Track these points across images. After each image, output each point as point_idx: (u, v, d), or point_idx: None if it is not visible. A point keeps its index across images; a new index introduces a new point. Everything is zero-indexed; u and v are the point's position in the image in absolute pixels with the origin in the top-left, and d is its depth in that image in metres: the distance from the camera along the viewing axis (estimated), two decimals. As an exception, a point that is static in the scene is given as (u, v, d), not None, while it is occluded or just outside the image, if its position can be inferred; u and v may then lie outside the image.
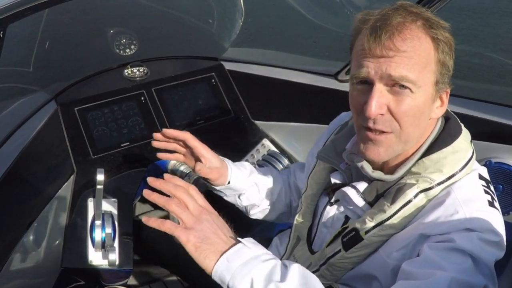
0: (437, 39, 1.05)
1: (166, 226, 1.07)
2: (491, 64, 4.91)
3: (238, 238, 1.07)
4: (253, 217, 1.69)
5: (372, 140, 1.11)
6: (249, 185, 1.59)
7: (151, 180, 1.15)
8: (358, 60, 1.08)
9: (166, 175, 1.16)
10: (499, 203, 1.15)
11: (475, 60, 4.83)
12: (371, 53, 1.05)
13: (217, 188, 1.56)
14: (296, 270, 1.05)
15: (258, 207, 1.65)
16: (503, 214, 1.67)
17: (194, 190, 1.13)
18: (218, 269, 1.04)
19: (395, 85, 1.05)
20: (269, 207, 1.65)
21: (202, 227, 1.06)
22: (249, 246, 1.05)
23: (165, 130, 1.54)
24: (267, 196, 1.64)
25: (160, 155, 1.57)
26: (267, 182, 1.64)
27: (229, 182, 1.53)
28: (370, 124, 1.08)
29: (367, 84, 1.08)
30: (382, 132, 1.09)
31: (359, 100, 1.10)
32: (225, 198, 1.62)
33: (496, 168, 1.80)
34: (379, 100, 1.05)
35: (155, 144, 1.55)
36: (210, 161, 1.52)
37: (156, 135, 1.54)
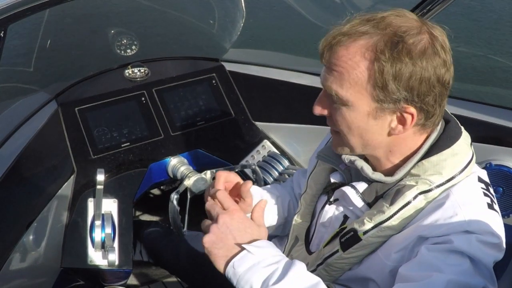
0: (378, 61, 1.02)
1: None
2: (493, 66, 4.91)
3: (244, 245, 1.07)
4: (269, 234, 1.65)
5: (332, 136, 1.22)
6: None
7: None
8: None
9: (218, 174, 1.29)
10: (499, 205, 1.15)
11: (476, 62, 4.83)
12: (321, 59, 1.11)
13: None
14: (295, 273, 1.05)
15: (272, 226, 1.61)
16: (503, 216, 1.67)
17: (221, 192, 1.18)
18: (228, 274, 1.08)
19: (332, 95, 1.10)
20: (282, 222, 1.62)
21: (218, 230, 1.10)
22: (253, 252, 1.06)
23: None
24: (278, 213, 1.61)
25: None
26: (274, 200, 1.61)
27: None
28: (327, 122, 1.19)
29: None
30: (333, 130, 1.18)
31: None
32: None
33: (496, 170, 1.80)
34: (320, 103, 1.15)
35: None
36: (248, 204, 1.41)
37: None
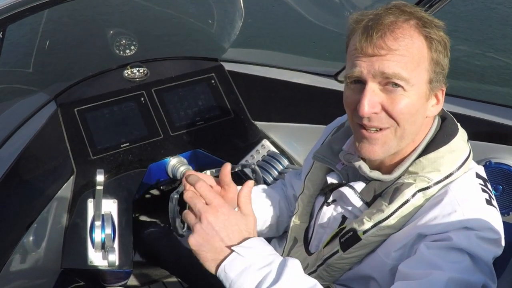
0: (430, 37, 1.06)
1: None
2: (492, 64, 4.91)
3: (233, 248, 1.01)
4: (263, 236, 1.65)
5: (367, 138, 1.11)
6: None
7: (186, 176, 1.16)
8: (352, 59, 1.10)
9: (186, 173, 1.18)
10: (499, 203, 1.15)
11: (476, 61, 4.83)
12: (363, 52, 1.06)
13: None
14: (289, 276, 1.00)
15: (263, 224, 1.61)
16: (503, 214, 1.67)
17: (201, 184, 1.08)
18: (220, 276, 1.03)
19: (388, 83, 1.06)
20: (274, 222, 1.62)
21: (203, 230, 1.02)
22: (243, 254, 1.00)
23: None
24: (269, 213, 1.60)
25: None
26: (264, 200, 1.60)
27: None
28: (365, 122, 1.09)
29: (360, 84, 1.09)
30: (378, 129, 1.10)
31: (353, 99, 1.11)
32: None
33: (496, 168, 1.80)
34: (372, 99, 1.06)
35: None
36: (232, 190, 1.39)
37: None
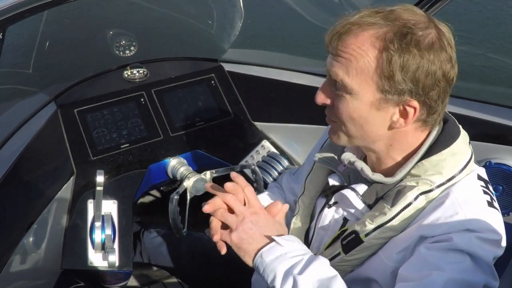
0: (387, 51, 1.02)
1: (214, 231, 1.18)
2: (491, 64, 4.91)
3: (273, 237, 1.12)
4: None
5: (329, 124, 1.21)
6: None
7: (208, 186, 1.26)
8: None
9: (232, 175, 1.24)
10: (499, 204, 1.15)
11: (475, 61, 4.83)
12: (327, 48, 1.11)
13: None
14: (318, 265, 1.09)
15: None
16: (503, 215, 1.67)
17: (249, 189, 1.21)
18: (256, 263, 1.13)
19: (335, 83, 1.10)
20: None
21: (244, 228, 1.13)
22: (282, 244, 1.11)
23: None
24: None
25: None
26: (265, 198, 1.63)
27: None
28: (326, 111, 1.18)
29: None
30: (331, 120, 1.17)
31: None
32: None
33: (496, 169, 1.80)
34: (323, 91, 1.14)
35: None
36: None
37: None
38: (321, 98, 1.15)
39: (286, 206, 1.25)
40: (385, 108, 1.08)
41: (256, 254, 1.12)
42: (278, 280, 1.08)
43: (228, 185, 1.20)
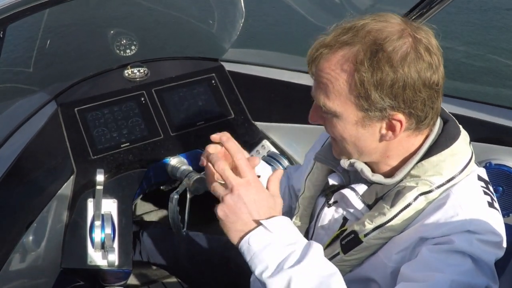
0: (358, 71, 1.02)
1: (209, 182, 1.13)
2: (492, 65, 4.91)
3: (261, 221, 1.03)
4: None
5: (332, 142, 1.23)
6: None
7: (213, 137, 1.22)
8: None
9: (222, 136, 1.20)
10: (500, 204, 1.15)
11: (476, 62, 4.83)
12: (308, 71, 1.14)
13: None
14: (313, 257, 1.01)
15: None
16: (504, 216, 1.67)
17: (241, 156, 1.10)
18: (241, 248, 1.04)
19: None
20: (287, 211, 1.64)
21: (230, 202, 1.04)
22: (270, 229, 1.02)
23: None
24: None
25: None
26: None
27: None
28: None
29: None
30: (332, 137, 1.19)
31: None
32: None
33: (496, 169, 1.80)
34: (314, 113, 1.18)
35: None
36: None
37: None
38: (314, 118, 1.19)
39: (280, 172, 1.15)
40: (371, 125, 1.09)
41: (242, 237, 1.04)
42: (268, 273, 1.00)
43: (210, 147, 1.17)
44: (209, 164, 1.14)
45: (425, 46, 1.03)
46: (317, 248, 1.04)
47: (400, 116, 1.06)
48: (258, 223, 1.03)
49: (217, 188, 1.09)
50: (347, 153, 1.18)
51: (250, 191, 1.05)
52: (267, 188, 1.12)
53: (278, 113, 2.39)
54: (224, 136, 1.17)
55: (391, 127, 1.08)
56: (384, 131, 1.09)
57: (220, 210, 1.05)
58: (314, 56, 1.09)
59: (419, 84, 1.03)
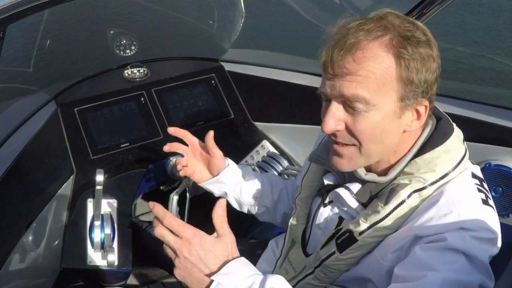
0: (401, 57, 1.02)
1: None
2: (492, 66, 4.91)
3: (212, 277, 1.02)
4: (260, 218, 1.70)
5: (336, 151, 1.14)
6: (240, 180, 1.65)
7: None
8: (322, 76, 1.11)
9: (150, 204, 1.13)
10: (499, 205, 1.16)
11: (476, 63, 4.83)
12: (326, 71, 1.07)
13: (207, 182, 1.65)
14: None
15: (260, 207, 1.65)
16: (503, 216, 1.67)
17: (169, 219, 1.06)
18: None
19: (349, 104, 1.06)
20: (271, 205, 1.65)
21: (181, 265, 1.05)
22: (222, 282, 1.01)
23: (168, 129, 1.65)
24: (266, 194, 1.65)
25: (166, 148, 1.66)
26: (263, 182, 1.67)
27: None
28: (332, 137, 1.13)
29: (328, 101, 1.10)
30: (344, 144, 1.12)
31: (323, 114, 1.12)
32: (215, 194, 1.67)
33: (496, 170, 1.80)
34: (335, 117, 1.09)
35: (165, 148, 1.66)
36: (216, 155, 1.63)
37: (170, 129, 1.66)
38: (332, 125, 1.09)
39: (222, 202, 1.11)
40: (404, 114, 1.09)
41: None
42: None
43: (157, 209, 1.09)
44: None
45: (431, 37, 1.08)
46: (272, 283, 1.02)
47: (426, 102, 1.09)
48: (211, 279, 1.03)
49: (168, 252, 1.08)
50: (367, 156, 1.12)
51: (193, 248, 1.04)
52: (214, 223, 1.10)
53: (277, 113, 2.39)
54: (151, 203, 1.12)
55: (418, 114, 1.10)
56: (412, 118, 1.10)
57: (177, 274, 1.05)
58: (345, 49, 1.02)
59: (437, 69, 1.07)
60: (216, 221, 1.10)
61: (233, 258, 1.07)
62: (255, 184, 1.66)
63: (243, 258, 1.09)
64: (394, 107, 1.06)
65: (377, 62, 1.02)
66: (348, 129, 1.09)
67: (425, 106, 1.09)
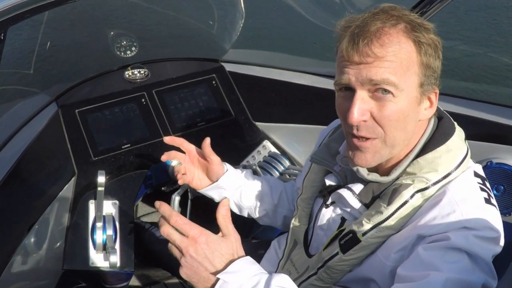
0: (419, 41, 1.06)
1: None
2: (492, 64, 4.91)
3: (218, 275, 1.03)
4: (260, 222, 1.70)
5: (358, 147, 1.12)
6: (239, 184, 1.65)
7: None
8: (340, 67, 1.10)
9: (156, 203, 1.14)
10: (501, 203, 1.15)
11: (476, 61, 4.83)
12: (350, 60, 1.06)
13: (206, 188, 1.65)
14: None
15: (260, 210, 1.65)
16: (505, 214, 1.67)
17: (176, 218, 1.08)
18: None
19: (377, 90, 1.05)
20: (271, 209, 1.65)
21: (187, 263, 1.06)
22: (228, 280, 1.02)
23: (164, 138, 1.69)
24: (266, 198, 1.65)
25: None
26: (262, 185, 1.67)
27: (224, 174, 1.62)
28: (354, 131, 1.10)
29: (350, 91, 1.09)
30: (367, 138, 1.10)
31: (343, 107, 1.11)
32: (216, 200, 1.66)
33: (497, 168, 1.80)
34: (361, 106, 1.07)
35: (163, 158, 1.70)
36: (214, 161, 1.61)
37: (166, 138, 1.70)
38: (359, 115, 1.07)
39: (226, 202, 1.13)
40: (422, 101, 1.11)
41: None
42: None
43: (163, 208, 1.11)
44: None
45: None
46: (278, 282, 1.03)
47: (436, 89, 1.12)
48: (217, 278, 1.03)
49: (173, 251, 1.09)
50: (392, 144, 1.10)
51: (199, 247, 1.05)
52: (218, 223, 1.11)
53: (278, 113, 2.39)
54: (157, 203, 1.14)
55: (430, 102, 1.13)
56: (426, 106, 1.13)
57: (183, 273, 1.06)
58: (367, 34, 1.04)
59: (441, 56, 1.11)
60: (220, 221, 1.11)
61: (239, 257, 1.08)
62: (254, 188, 1.66)
63: (248, 257, 1.09)
64: (416, 93, 1.08)
65: (401, 47, 1.05)
66: (374, 117, 1.08)
67: (436, 93, 1.12)
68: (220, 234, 1.11)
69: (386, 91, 1.05)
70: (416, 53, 1.06)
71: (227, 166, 1.66)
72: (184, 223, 1.07)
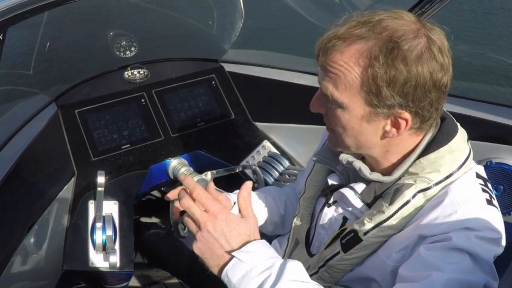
0: (372, 67, 1.01)
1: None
2: (492, 64, 4.91)
3: (233, 253, 1.03)
4: (270, 234, 1.68)
5: (328, 132, 1.22)
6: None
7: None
8: None
9: (180, 176, 1.18)
10: (501, 203, 1.15)
11: (476, 61, 4.83)
12: (316, 61, 1.11)
13: None
14: (288, 279, 1.02)
15: (270, 225, 1.62)
16: (504, 214, 1.67)
17: (199, 192, 1.07)
18: (224, 280, 1.06)
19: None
20: (279, 220, 1.63)
21: (203, 238, 1.06)
22: (243, 259, 1.03)
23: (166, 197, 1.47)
24: (272, 210, 1.62)
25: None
26: (267, 199, 1.63)
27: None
28: (324, 119, 1.19)
29: None
30: (329, 128, 1.19)
31: None
32: None
33: (497, 168, 1.80)
34: (317, 101, 1.17)
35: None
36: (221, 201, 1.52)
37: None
38: (315, 107, 1.17)
39: (249, 185, 1.13)
40: (376, 120, 1.09)
41: (220, 271, 1.06)
42: None
43: (172, 192, 1.13)
44: (175, 203, 1.18)
45: (438, 47, 1.04)
46: (292, 267, 1.04)
47: (406, 114, 1.06)
48: (232, 256, 1.04)
49: (189, 225, 1.09)
50: (344, 145, 1.17)
51: (218, 223, 1.05)
52: (238, 209, 1.11)
53: (278, 113, 2.39)
54: (182, 175, 1.18)
55: (395, 125, 1.09)
56: (388, 127, 1.10)
57: (196, 248, 1.07)
58: (327, 47, 1.06)
59: (430, 85, 1.03)
60: (241, 203, 1.11)
61: (255, 239, 1.09)
62: (260, 205, 1.62)
63: (264, 241, 1.10)
64: (362, 112, 1.08)
65: (348, 66, 1.04)
66: (326, 116, 1.17)
67: (406, 119, 1.06)
68: (239, 215, 1.11)
69: (332, 101, 1.10)
70: (361, 76, 1.03)
71: (232, 196, 1.54)
72: (207, 197, 1.08)
